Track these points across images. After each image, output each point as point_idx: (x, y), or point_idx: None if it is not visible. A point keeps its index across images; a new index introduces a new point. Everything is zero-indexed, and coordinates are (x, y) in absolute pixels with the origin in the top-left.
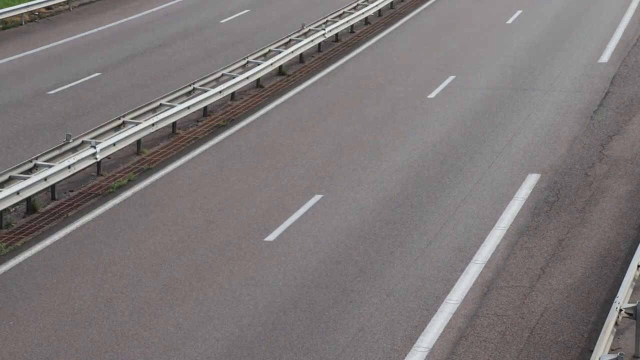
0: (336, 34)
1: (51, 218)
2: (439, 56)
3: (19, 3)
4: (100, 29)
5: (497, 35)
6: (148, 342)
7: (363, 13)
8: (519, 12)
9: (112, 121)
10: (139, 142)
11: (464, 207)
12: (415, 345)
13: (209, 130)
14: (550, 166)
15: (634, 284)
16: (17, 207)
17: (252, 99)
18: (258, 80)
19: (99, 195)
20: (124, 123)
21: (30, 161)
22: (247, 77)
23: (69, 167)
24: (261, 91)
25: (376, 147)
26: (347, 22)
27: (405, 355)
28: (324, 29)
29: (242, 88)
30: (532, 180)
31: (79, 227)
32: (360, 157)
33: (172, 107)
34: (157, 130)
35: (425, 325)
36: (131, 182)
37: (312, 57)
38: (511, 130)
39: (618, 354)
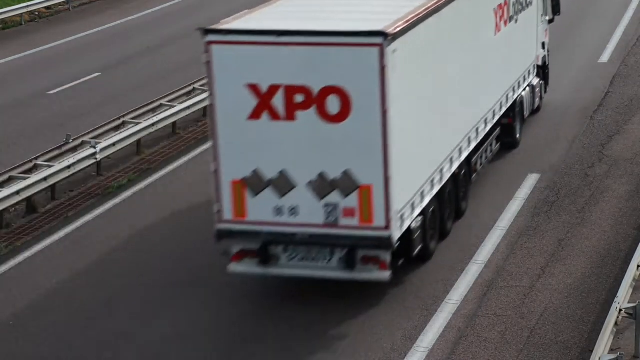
0: None
1: (51, 218)
2: None
3: (19, 3)
4: (100, 29)
5: None
6: (148, 342)
7: None
8: None
9: (112, 121)
10: (139, 142)
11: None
12: (415, 345)
13: (209, 130)
14: (550, 166)
15: (634, 284)
16: (17, 207)
17: None
18: None
19: (99, 195)
20: (124, 123)
21: (30, 161)
22: None
23: (69, 167)
24: None
25: None
26: None
27: (405, 355)
28: None
29: None
30: (532, 180)
31: (79, 227)
32: None
33: (172, 107)
34: (157, 130)
35: (425, 325)
36: (131, 182)
37: None
38: None
39: (618, 354)
